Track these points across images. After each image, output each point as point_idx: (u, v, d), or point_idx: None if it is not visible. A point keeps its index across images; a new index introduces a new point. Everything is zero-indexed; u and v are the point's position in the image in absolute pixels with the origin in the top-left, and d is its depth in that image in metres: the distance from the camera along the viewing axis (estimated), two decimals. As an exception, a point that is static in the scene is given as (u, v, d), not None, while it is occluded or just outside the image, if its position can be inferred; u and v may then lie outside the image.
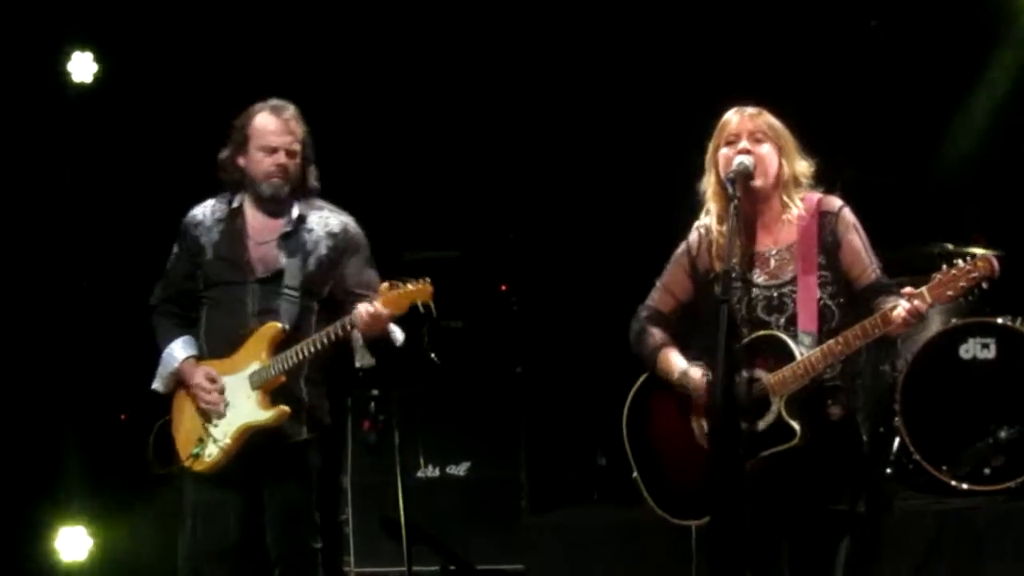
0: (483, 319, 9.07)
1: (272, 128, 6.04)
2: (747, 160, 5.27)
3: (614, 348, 6.36)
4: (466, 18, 9.61)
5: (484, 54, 9.72)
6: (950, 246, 8.38)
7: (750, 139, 5.35)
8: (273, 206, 6.15)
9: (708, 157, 5.43)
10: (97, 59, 9.27)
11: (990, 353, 8.09)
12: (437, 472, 8.53)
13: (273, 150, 6.00)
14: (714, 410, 5.18)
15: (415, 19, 9.63)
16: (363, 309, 5.81)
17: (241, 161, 6.09)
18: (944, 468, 7.94)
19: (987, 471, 7.91)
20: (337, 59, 9.55)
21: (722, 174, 5.35)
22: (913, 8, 9.42)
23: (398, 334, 6.09)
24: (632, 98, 9.60)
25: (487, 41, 9.74)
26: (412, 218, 9.28)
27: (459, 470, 8.61)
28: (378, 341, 6.08)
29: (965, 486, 7.89)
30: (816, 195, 5.49)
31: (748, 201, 5.40)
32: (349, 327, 5.86)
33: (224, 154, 6.15)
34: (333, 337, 5.88)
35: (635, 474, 5.63)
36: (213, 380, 5.93)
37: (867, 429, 5.65)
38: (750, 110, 5.43)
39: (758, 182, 5.35)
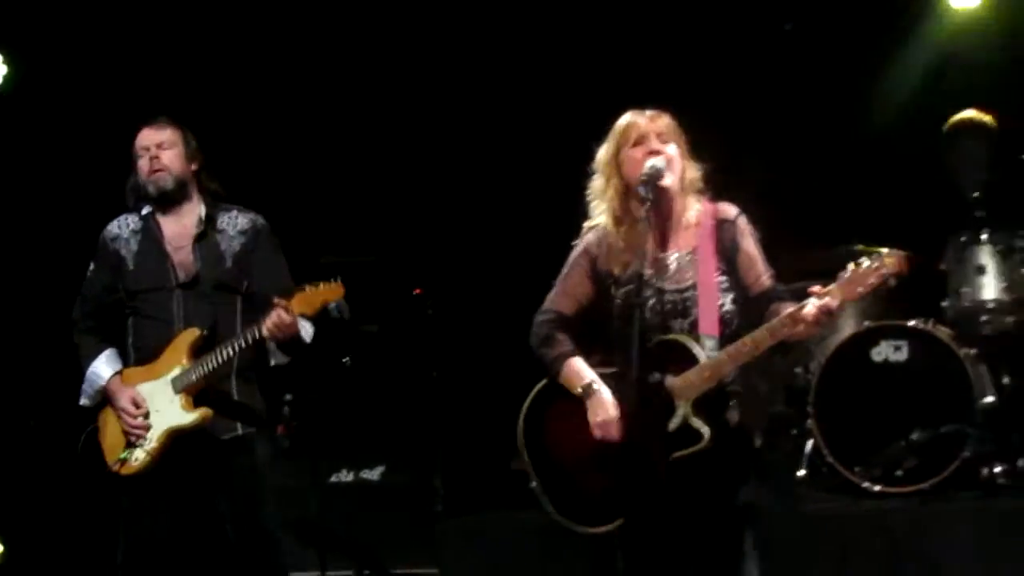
0: (398, 323, 9.01)
1: (144, 134, 6.12)
2: (659, 162, 5.14)
3: (529, 351, 6.17)
4: (382, 28, 9.55)
5: (395, 68, 9.63)
6: (860, 246, 8.30)
7: (658, 140, 5.25)
8: (176, 209, 6.15)
9: (607, 159, 5.33)
10: (7, 62, 9.18)
11: (902, 355, 7.96)
12: (351, 476, 8.47)
13: (146, 149, 6.05)
14: (631, 416, 5.07)
15: (333, 30, 9.56)
16: (270, 321, 5.80)
17: (132, 178, 6.18)
18: (857, 470, 7.79)
19: (900, 473, 7.77)
20: (254, 68, 9.48)
21: (629, 176, 5.26)
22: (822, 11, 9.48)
23: (308, 329, 6.02)
24: (538, 106, 9.53)
25: (398, 55, 9.67)
26: (329, 224, 9.25)
27: (373, 474, 8.56)
28: (289, 341, 6.01)
29: (878, 488, 7.75)
30: (709, 203, 5.41)
31: (666, 203, 5.31)
32: (258, 335, 5.83)
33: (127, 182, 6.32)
34: (244, 344, 5.86)
35: (533, 484, 5.49)
36: (137, 405, 5.93)
37: (759, 434, 5.60)
38: (650, 112, 5.34)
39: (667, 182, 5.23)
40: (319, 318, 6.08)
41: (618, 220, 5.33)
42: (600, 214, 5.40)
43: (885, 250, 5.13)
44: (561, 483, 5.44)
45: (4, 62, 9.22)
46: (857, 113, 9.42)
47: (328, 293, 5.84)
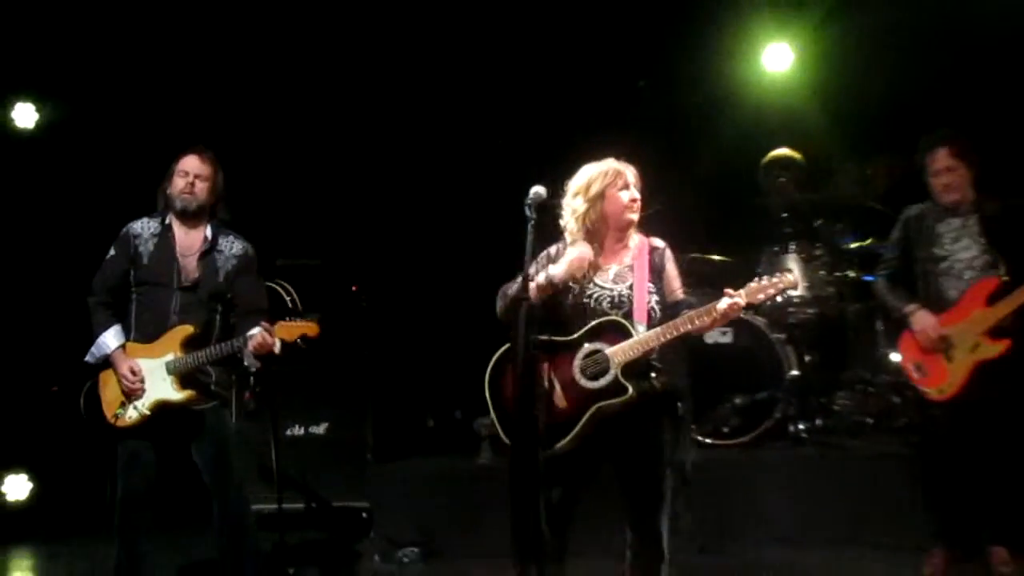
0: (339, 313, 8.89)
1: (190, 160, 6.78)
2: (540, 190, 5.69)
3: (440, 337, 7.04)
4: (325, 43, 9.91)
5: (330, 86, 10.04)
6: (696, 255, 9.11)
7: (635, 188, 5.91)
8: (191, 225, 6.84)
9: (595, 191, 5.89)
10: (38, 108, 9.49)
11: (728, 339, 8.76)
12: (302, 431, 9.05)
13: (187, 173, 6.74)
14: (519, 377, 5.57)
15: (277, 45, 9.86)
16: (257, 339, 6.54)
17: (167, 186, 6.82)
18: (693, 427, 8.54)
19: (726, 429, 8.65)
20: (212, 92, 9.75)
21: (608, 208, 5.88)
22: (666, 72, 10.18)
23: (278, 348, 6.66)
24: (462, 126, 10.10)
25: (335, 72, 10.07)
26: (284, 231, 9.42)
27: (319, 429, 9.12)
28: (265, 355, 6.68)
29: (709, 440, 8.63)
30: (644, 236, 6.06)
31: (620, 228, 5.96)
32: (244, 346, 6.58)
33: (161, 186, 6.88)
34: (231, 350, 6.62)
35: (491, 416, 5.99)
36: (135, 372, 6.61)
37: (677, 395, 6.14)
38: (632, 167, 5.97)
39: (636, 217, 5.94)
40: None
41: (589, 236, 5.92)
42: (573, 227, 5.96)
43: (788, 272, 5.92)
44: (508, 419, 5.88)
45: (35, 109, 9.40)
46: (696, 153, 10.03)
47: (306, 329, 6.68)
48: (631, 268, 5.96)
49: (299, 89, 10.00)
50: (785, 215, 9.16)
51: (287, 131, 10.00)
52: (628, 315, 5.85)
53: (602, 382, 5.75)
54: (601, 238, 5.96)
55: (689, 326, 5.71)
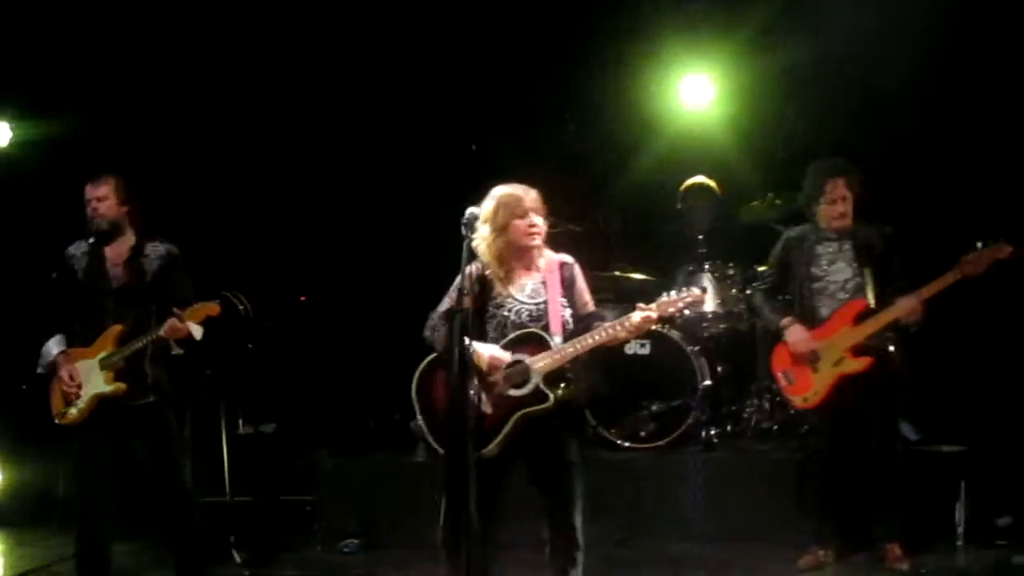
0: (288, 321, 9.54)
1: (87, 189, 7.18)
2: (476, 211, 5.95)
3: (380, 344, 7.11)
4: (264, 75, 9.98)
5: (279, 113, 10.09)
6: (618, 272, 9.36)
7: (535, 214, 6.05)
8: (114, 239, 7.20)
9: (500, 220, 6.02)
10: (12, 127, 9.52)
11: (646, 350, 8.88)
12: (252, 429, 9.22)
13: (88, 201, 7.15)
14: (450, 385, 5.81)
15: (229, 75, 9.94)
16: (167, 326, 6.84)
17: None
18: (613, 431, 8.75)
19: (643, 434, 8.77)
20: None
21: (513, 236, 6.02)
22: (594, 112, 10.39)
23: (198, 331, 6.93)
24: (402, 162, 10.21)
25: (283, 101, 10.12)
26: (240, 253, 9.61)
27: (268, 428, 9.36)
28: (184, 339, 6.98)
29: (627, 444, 8.74)
30: (553, 252, 6.22)
31: (524, 251, 6.10)
32: (159, 334, 6.89)
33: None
34: (150, 339, 6.94)
35: (418, 420, 6.20)
36: (72, 377, 7.00)
37: (585, 403, 6.53)
38: (530, 190, 6.09)
39: (538, 242, 6.10)
40: (232, 321, 7.19)
41: (498, 260, 6.05)
42: (483, 253, 6.05)
43: (696, 289, 6.07)
44: (436, 422, 6.12)
45: (10, 128, 9.40)
46: (619, 180, 10.20)
47: (209, 309, 6.93)
48: (544, 284, 6.10)
49: (251, 118, 10.08)
50: (700, 237, 9.31)
51: (241, 153, 10.09)
52: (546, 328, 5.99)
53: (525, 390, 5.91)
54: (510, 258, 6.08)
55: (605, 336, 5.88)
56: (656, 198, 10.12)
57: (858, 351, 7.25)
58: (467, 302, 5.92)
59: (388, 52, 10.05)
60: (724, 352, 9.34)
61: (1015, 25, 9.00)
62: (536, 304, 6.09)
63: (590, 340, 5.90)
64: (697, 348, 9.04)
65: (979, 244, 7.01)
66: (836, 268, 7.44)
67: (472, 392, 5.86)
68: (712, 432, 8.92)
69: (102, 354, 7.02)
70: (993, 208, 8.87)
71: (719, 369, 9.22)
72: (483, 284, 6.12)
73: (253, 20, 9.78)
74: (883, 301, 7.27)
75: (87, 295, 7.18)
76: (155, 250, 7.22)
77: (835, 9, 9.28)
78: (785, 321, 7.44)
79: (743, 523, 8.21)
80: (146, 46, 9.58)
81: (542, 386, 5.92)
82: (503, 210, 6.04)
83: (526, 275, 6.16)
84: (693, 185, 9.50)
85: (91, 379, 7.03)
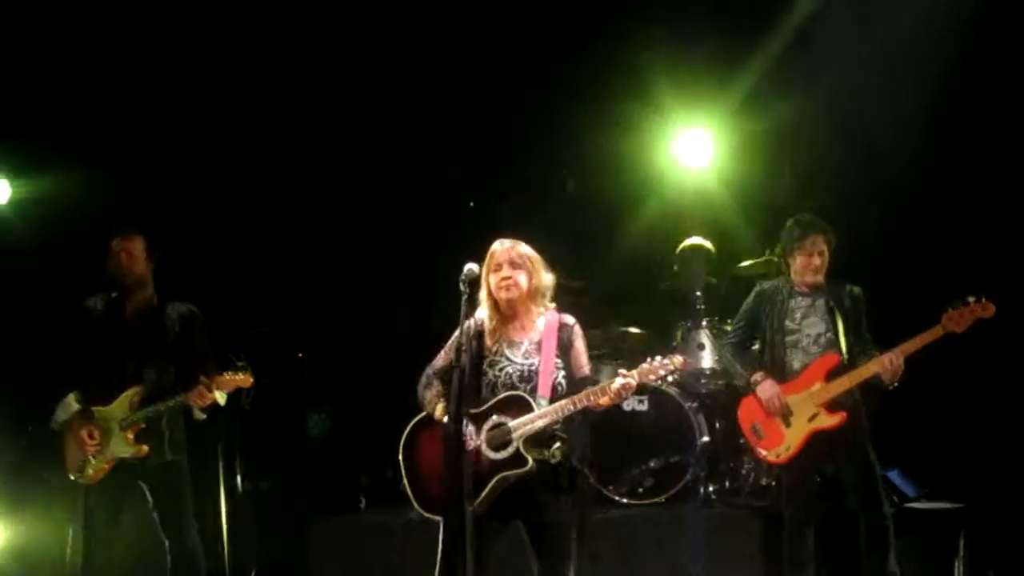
0: (284, 376, 9.39)
1: (118, 241, 7.18)
2: (474, 268, 5.90)
3: (377, 399, 7.08)
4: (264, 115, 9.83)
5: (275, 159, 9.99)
6: (622, 328, 9.33)
7: (510, 267, 6.04)
8: (136, 295, 7.22)
9: (484, 276, 6.04)
10: (11, 184, 9.45)
11: (644, 406, 8.87)
12: (250, 486, 9.10)
13: (116, 255, 7.16)
14: (448, 442, 5.75)
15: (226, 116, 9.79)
16: (195, 394, 6.90)
17: (109, 265, 7.23)
18: (611, 487, 8.73)
19: (641, 490, 8.74)
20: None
21: (492, 290, 6.04)
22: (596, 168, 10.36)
23: (221, 400, 7.04)
24: (396, 213, 10.18)
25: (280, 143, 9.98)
26: (237, 304, 9.38)
27: (264, 485, 9.29)
28: (208, 406, 7.06)
29: (625, 500, 8.72)
30: (556, 311, 6.17)
31: (510, 307, 6.08)
32: (186, 401, 6.95)
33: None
34: (174, 404, 6.98)
35: (403, 484, 6.14)
36: (92, 436, 6.98)
37: (579, 462, 6.24)
38: (507, 243, 6.10)
39: (512, 295, 6.05)
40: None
41: (490, 316, 6.09)
42: (481, 308, 6.10)
43: (677, 356, 5.99)
44: (420, 484, 6.10)
45: (9, 185, 9.32)
46: (617, 240, 10.17)
47: (241, 382, 7.05)
48: (539, 345, 6.07)
49: (248, 165, 10.05)
50: (698, 294, 9.33)
51: (237, 208, 10.05)
52: (534, 389, 5.96)
53: (504, 454, 5.90)
54: (503, 315, 6.12)
55: (586, 402, 5.87)
56: (654, 255, 10.15)
57: (832, 407, 7.24)
58: (442, 362, 6.07)
59: (383, 107, 10.04)
60: (722, 408, 9.21)
61: (1007, 80, 9.01)
62: (527, 365, 6.07)
63: (570, 406, 5.89)
64: (695, 404, 9.01)
65: (971, 299, 6.95)
66: (809, 322, 7.44)
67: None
68: (710, 488, 8.88)
69: (122, 415, 7.02)
70: (979, 266, 8.83)
71: (717, 425, 9.16)
72: (480, 340, 6.11)
73: (248, 65, 9.74)
74: (854, 357, 7.28)
75: (106, 351, 7.16)
76: (177, 310, 7.25)
77: (827, 66, 9.29)
78: (757, 376, 7.43)
79: None
80: (135, 94, 9.55)
81: (522, 450, 5.90)
82: (485, 264, 6.07)
83: (522, 334, 6.14)
84: (689, 247, 9.55)
85: (111, 439, 7.02)
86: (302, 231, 10.20)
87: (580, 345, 6.18)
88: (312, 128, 10.02)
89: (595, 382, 6.06)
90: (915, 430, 8.42)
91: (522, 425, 5.91)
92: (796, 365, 7.38)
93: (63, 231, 9.21)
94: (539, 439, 5.94)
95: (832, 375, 7.26)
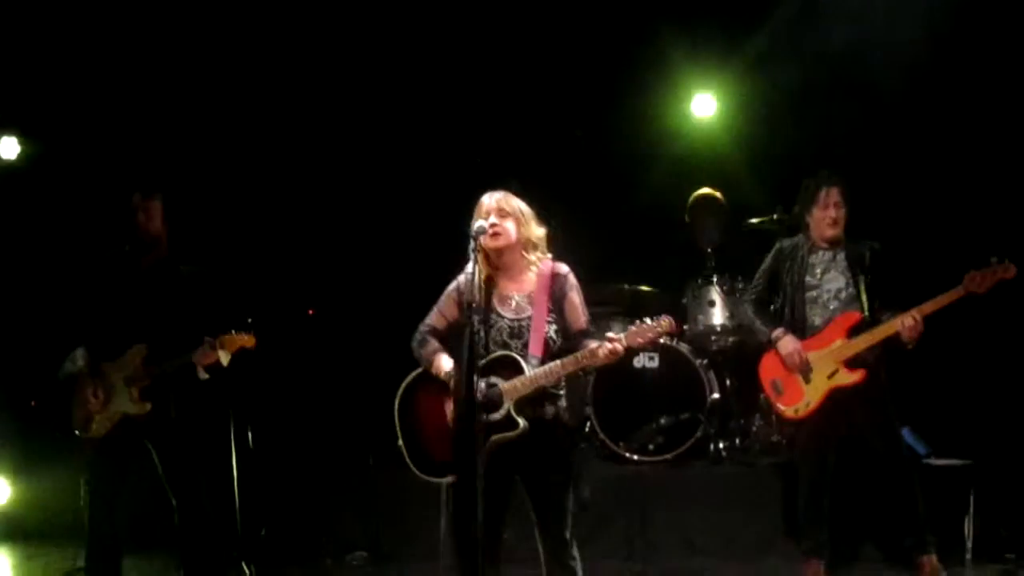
0: (295, 334, 9.47)
1: (137, 201, 7.13)
2: (484, 224, 5.87)
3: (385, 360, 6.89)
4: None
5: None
6: (626, 286, 9.41)
7: (499, 215, 5.94)
8: (151, 254, 7.16)
9: (473, 227, 5.91)
10: (21, 141, 9.56)
11: (655, 364, 8.98)
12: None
13: (135, 212, 7.11)
14: (459, 400, 5.70)
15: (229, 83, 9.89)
16: (200, 351, 6.91)
17: (127, 222, 7.17)
18: (621, 444, 8.84)
19: (651, 447, 8.83)
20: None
21: (481, 241, 5.85)
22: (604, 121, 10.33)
23: (224, 360, 6.98)
24: (407, 181, 10.21)
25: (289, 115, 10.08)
26: (249, 264, 9.32)
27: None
28: (212, 365, 7.03)
29: (636, 457, 8.81)
30: (550, 261, 6.08)
31: (498, 257, 5.99)
32: (192, 360, 6.92)
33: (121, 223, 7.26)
34: (180, 363, 6.94)
35: (400, 442, 6.11)
36: (97, 395, 7.00)
37: (573, 422, 6.36)
38: (497, 194, 6.02)
39: (500, 243, 5.94)
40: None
41: (489, 263, 5.97)
42: (472, 262, 5.84)
43: (666, 317, 5.87)
44: (418, 445, 6.08)
45: (19, 142, 9.43)
46: (629, 193, 10.17)
47: (245, 341, 7.01)
48: (531, 298, 6.04)
49: (259, 130, 10.09)
50: (709, 251, 9.40)
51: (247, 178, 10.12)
52: (525, 346, 5.93)
53: (496, 416, 5.85)
54: (495, 268, 6.07)
55: (574, 367, 5.83)
56: (665, 209, 10.12)
57: (852, 364, 7.27)
58: (436, 319, 6.11)
59: (391, 64, 10.05)
60: (732, 365, 9.32)
61: (1012, 37, 9.06)
62: (519, 320, 6.01)
63: (561, 369, 5.86)
64: (705, 361, 9.10)
65: (994, 260, 6.93)
66: (829, 277, 7.48)
67: (450, 414, 5.94)
68: (721, 445, 8.98)
69: (128, 371, 7.02)
70: (991, 225, 8.95)
71: (727, 382, 9.26)
72: (461, 297, 6.04)
73: (261, 35, 9.80)
74: (875, 314, 7.30)
75: (115, 306, 7.14)
76: (187, 268, 7.22)
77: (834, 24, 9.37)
78: (777, 332, 7.47)
79: (751, 538, 8.24)
80: (150, 55, 9.61)
81: (513, 412, 5.86)
82: (474, 215, 6.01)
83: (514, 287, 6.07)
84: (700, 196, 9.59)
85: (116, 396, 7.03)
86: (315, 194, 10.26)
87: (575, 297, 6.10)
88: (315, 90, 10.11)
89: (591, 336, 5.98)
90: (925, 388, 8.43)
91: (513, 388, 5.87)
92: (817, 321, 7.43)
93: (73, 188, 9.27)
94: (531, 400, 5.91)
95: (853, 332, 7.28)
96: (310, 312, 9.54)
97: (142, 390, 7.00)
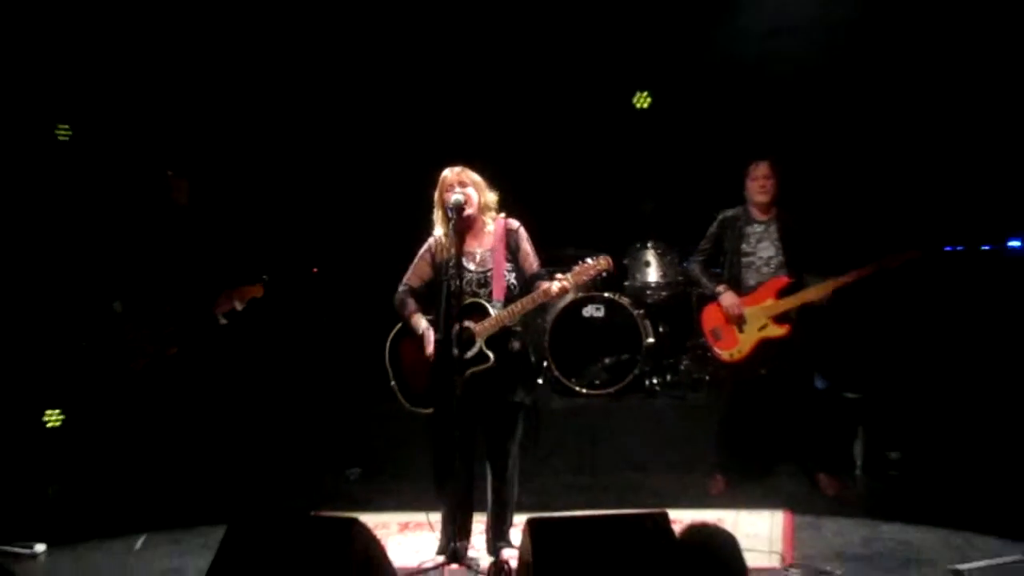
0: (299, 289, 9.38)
1: (169, 175, 7.81)
2: (460, 197, 6.26)
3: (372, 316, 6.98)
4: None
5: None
6: (572, 249, 8.96)
7: (461, 186, 6.31)
8: (178, 215, 7.79)
9: (436, 198, 6.37)
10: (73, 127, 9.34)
11: (600, 313, 9.38)
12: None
13: (165, 185, 7.82)
14: (439, 347, 6.19)
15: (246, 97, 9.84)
16: (218, 302, 7.49)
17: (166, 185, 7.84)
18: (572, 380, 9.26)
19: (597, 382, 9.24)
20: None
21: (446, 207, 6.29)
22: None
23: (238, 306, 7.55)
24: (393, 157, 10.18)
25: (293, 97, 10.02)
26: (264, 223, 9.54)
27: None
28: (229, 312, 7.60)
29: (585, 391, 9.22)
30: (502, 219, 6.42)
31: (462, 222, 6.32)
32: (212, 308, 7.53)
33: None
34: (203, 311, 7.55)
35: (392, 382, 6.48)
36: (132, 335, 7.55)
37: (534, 356, 6.73)
38: (456, 168, 6.35)
39: (467, 211, 6.32)
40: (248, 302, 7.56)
41: (445, 232, 6.28)
42: (438, 227, 6.36)
43: (604, 256, 6.26)
44: (405, 383, 6.44)
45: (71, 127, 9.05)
46: (578, 178, 10.49)
47: (254, 291, 7.54)
48: (492, 251, 6.33)
49: (268, 112, 10.03)
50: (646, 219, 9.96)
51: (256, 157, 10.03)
52: (490, 294, 6.27)
53: (471, 352, 6.23)
54: (459, 231, 6.31)
55: (531, 304, 6.23)
56: (609, 186, 10.50)
57: (779, 319, 7.70)
58: (411, 279, 6.42)
59: (387, 47, 10.07)
60: (665, 315, 9.73)
61: (954, 19, 9.22)
62: (484, 272, 6.33)
63: (518, 307, 6.25)
64: (642, 311, 9.45)
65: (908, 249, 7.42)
66: (762, 247, 7.82)
67: (430, 357, 6.30)
68: (654, 381, 9.42)
69: (158, 319, 7.55)
70: (904, 203, 9.32)
71: (660, 329, 9.61)
72: (433, 258, 6.48)
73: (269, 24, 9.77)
74: (801, 278, 7.69)
75: (147, 261, 7.70)
76: (208, 226, 7.79)
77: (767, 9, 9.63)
78: (720, 288, 7.82)
79: (678, 457, 8.60)
80: (161, 49, 9.53)
81: (484, 348, 6.27)
82: (437, 189, 6.34)
83: (477, 244, 6.38)
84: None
85: (150, 337, 7.54)
86: (326, 158, 10.34)
87: (527, 246, 6.40)
88: (313, 70, 10.05)
89: (543, 277, 6.32)
90: (831, 336, 8.53)
91: (483, 328, 6.23)
92: (751, 282, 7.77)
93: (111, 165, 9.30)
94: (495, 339, 6.27)
95: (782, 294, 7.67)
96: (314, 270, 9.69)
97: (169, 333, 7.55)
